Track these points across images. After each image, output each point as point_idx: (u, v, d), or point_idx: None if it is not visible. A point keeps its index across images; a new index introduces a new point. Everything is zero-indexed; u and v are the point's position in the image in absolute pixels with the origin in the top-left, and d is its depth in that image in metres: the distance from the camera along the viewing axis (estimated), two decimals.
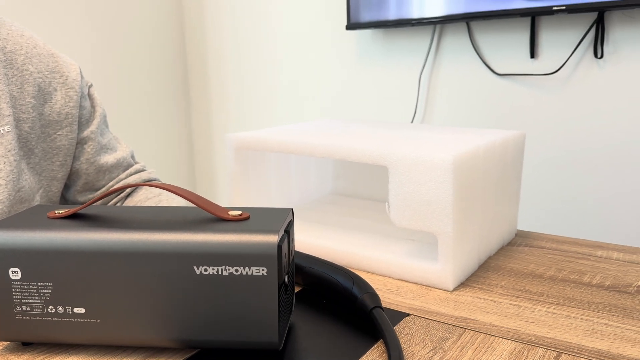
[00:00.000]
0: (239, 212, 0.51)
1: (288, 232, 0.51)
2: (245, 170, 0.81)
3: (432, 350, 0.50)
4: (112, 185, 0.81)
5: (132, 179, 0.82)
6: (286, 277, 0.51)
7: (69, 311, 0.48)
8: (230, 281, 0.47)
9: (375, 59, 1.74)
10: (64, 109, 0.74)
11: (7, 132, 0.67)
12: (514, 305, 0.60)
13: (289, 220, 0.53)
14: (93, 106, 0.80)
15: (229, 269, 0.46)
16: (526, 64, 1.48)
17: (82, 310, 0.48)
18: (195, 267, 0.47)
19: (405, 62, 1.68)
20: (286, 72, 1.99)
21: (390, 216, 0.66)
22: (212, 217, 0.51)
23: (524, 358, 0.49)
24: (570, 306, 0.59)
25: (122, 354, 0.49)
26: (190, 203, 0.60)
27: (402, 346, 0.51)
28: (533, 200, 1.52)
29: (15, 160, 0.68)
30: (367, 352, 0.50)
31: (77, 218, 0.51)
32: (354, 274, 0.59)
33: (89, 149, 0.78)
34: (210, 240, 0.47)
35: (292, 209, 0.55)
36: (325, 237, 0.75)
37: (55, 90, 0.74)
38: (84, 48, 2.08)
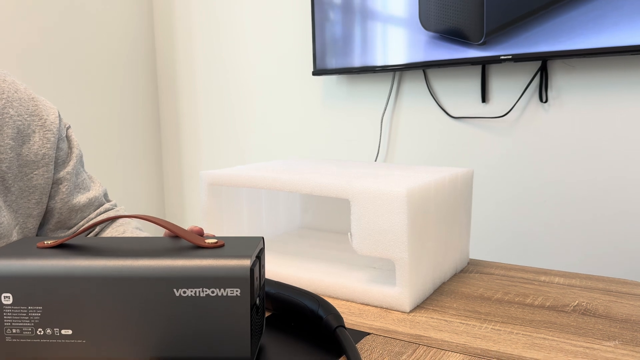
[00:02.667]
0: (214, 240, 0.57)
1: (259, 257, 0.57)
2: (219, 204, 0.87)
3: None
4: (83, 225, 0.85)
5: (101, 217, 0.86)
6: (257, 299, 0.57)
7: (57, 333, 0.52)
8: (207, 302, 0.52)
9: (340, 102, 1.84)
10: (41, 150, 0.79)
11: None
12: (463, 323, 0.66)
13: (260, 247, 0.59)
14: (70, 147, 0.84)
15: (206, 291, 0.52)
16: (478, 107, 1.60)
17: (70, 332, 0.52)
18: (175, 290, 0.52)
19: (368, 105, 1.78)
20: (256, 113, 2.07)
21: (353, 245, 0.72)
22: (190, 244, 0.57)
23: None
24: (514, 324, 0.66)
25: None
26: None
27: None
28: (484, 232, 1.61)
29: None
30: None
31: (65, 248, 0.56)
32: (319, 297, 0.65)
33: (63, 189, 0.82)
34: (188, 264, 0.52)
35: (262, 238, 0.61)
36: (293, 266, 0.81)
37: (34, 132, 0.78)
38: (58, 86, 2.12)
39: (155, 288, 0.51)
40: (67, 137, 0.86)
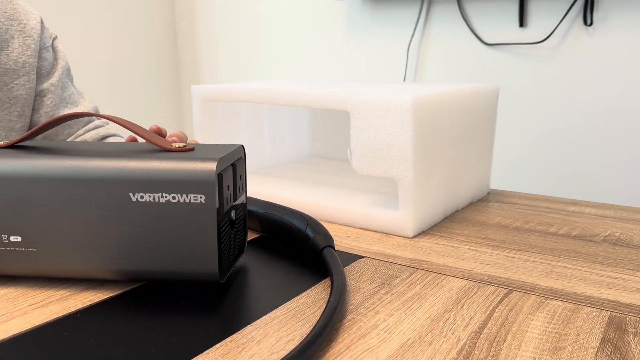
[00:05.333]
0: (183, 144, 0.50)
1: (235, 165, 0.50)
2: (214, 125, 0.80)
3: (379, 285, 0.49)
4: (74, 140, 0.80)
5: (89, 135, 0.81)
6: (233, 212, 0.50)
7: (5, 239, 0.47)
8: (167, 209, 0.45)
9: (365, 29, 1.72)
10: (20, 57, 0.73)
11: None
12: (472, 250, 0.58)
13: (238, 155, 0.52)
14: (56, 58, 0.78)
15: (166, 196, 0.45)
16: (515, 32, 1.45)
17: (18, 239, 0.47)
18: (131, 194, 0.45)
19: (394, 32, 1.65)
20: (277, 40, 1.97)
21: (352, 164, 0.64)
22: (155, 148, 0.50)
23: (472, 294, 0.47)
24: (531, 252, 0.58)
25: (60, 285, 0.48)
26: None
27: (348, 282, 0.50)
28: (516, 166, 1.50)
29: None
30: (312, 287, 0.49)
31: (17, 148, 0.50)
32: (308, 216, 0.58)
33: (48, 102, 0.77)
34: (146, 167, 0.45)
35: (242, 145, 0.54)
36: (290, 189, 0.74)
37: (13, 37, 0.72)
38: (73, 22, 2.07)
39: (109, 192, 0.45)
40: (53, 47, 0.79)
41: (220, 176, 0.46)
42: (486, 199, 0.79)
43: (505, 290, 0.48)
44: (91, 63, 2.13)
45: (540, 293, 0.48)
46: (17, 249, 0.47)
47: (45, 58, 0.77)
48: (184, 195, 0.45)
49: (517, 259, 0.56)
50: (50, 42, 0.79)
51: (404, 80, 1.65)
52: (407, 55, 1.64)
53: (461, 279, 0.50)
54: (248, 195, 0.75)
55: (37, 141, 0.54)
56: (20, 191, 0.46)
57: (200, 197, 0.45)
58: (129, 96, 2.28)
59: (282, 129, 0.92)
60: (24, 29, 0.74)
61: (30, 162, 0.46)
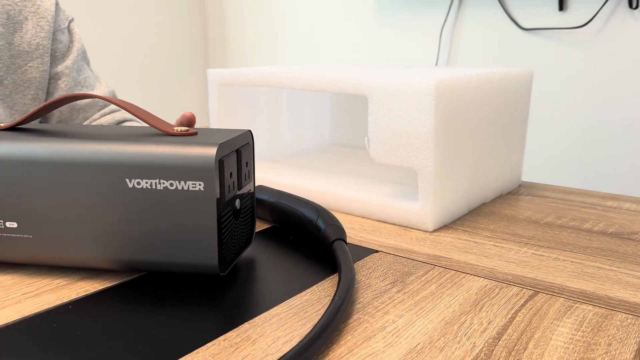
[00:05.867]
0: (185, 128, 0.47)
1: (240, 151, 0.47)
2: (231, 110, 0.77)
3: (391, 283, 0.45)
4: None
5: (105, 120, 0.79)
6: (237, 201, 0.47)
7: (1, 225, 0.45)
8: (165, 196, 0.43)
9: (395, 12, 1.67)
10: (34, 39, 0.72)
11: None
12: (497, 246, 0.54)
13: (245, 141, 0.49)
14: (71, 41, 0.77)
15: (164, 183, 0.43)
16: (554, 16, 1.37)
17: (15, 225, 0.45)
18: (127, 180, 0.43)
19: (426, 15, 1.59)
20: (305, 24, 1.93)
21: (370, 152, 0.61)
22: (157, 132, 0.47)
23: (493, 295, 0.43)
24: (562, 249, 0.53)
25: (58, 274, 0.46)
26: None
27: (359, 278, 0.46)
28: (551, 155, 1.43)
29: None
30: (319, 283, 0.45)
31: (16, 131, 0.48)
32: (320, 207, 0.54)
33: (62, 85, 0.75)
34: (143, 151, 0.43)
35: (249, 131, 0.51)
36: (308, 179, 0.71)
37: (26, 19, 0.71)
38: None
39: (105, 177, 0.43)
40: (69, 30, 0.78)
41: (221, 162, 0.43)
42: (517, 191, 0.74)
43: (531, 291, 0.44)
44: (119, 47, 2.14)
45: (569, 296, 0.43)
46: (13, 235, 0.45)
47: (60, 40, 0.75)
48: (182, 182, 0.42)
49: (545, 257, 0.51)
50: (67, 25, 0.77)
51: (436, 65, 1.59)
52: (440, 40, 1.58)
53: (482, 278, 0.46)
54: (261, 183, 0.73)
55: (39, 124, 0.52)
56: (15, 175, 0.44)
57: (199, 185, 0.42)
58: (157, 80, 2.29)
59: (302, 115, 0.89)
60: (38, 10, 0.72)
61: (26, 145, 0.44)
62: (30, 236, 0.45)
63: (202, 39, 2.37)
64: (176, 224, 0.43)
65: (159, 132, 0.47)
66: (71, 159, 0.43)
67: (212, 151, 0.42)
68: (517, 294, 0.43)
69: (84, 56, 0.79)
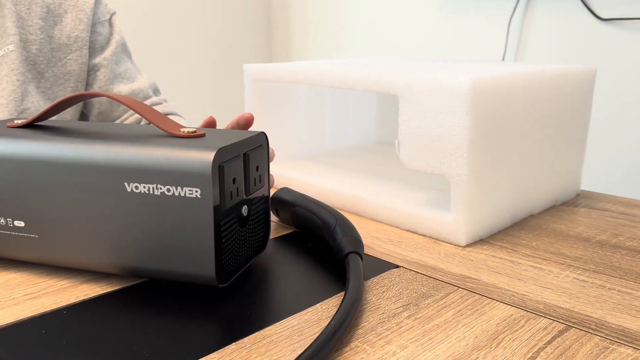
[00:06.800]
0: (192, 129, 0.45)
1: (248, 155, 0.44)
2: (267, 108, 0.74)
3: (403, 306, 0.41)
4: (127, 117, 0.79)
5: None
6: (244, 207, 0.45)
7: (9, 223, 0.45)
8: (162, 202, 0.41)
9: (460, 3, 1.58)
10: (73, 32, 0.72)
11: (11, 51, 0.66)
12: (535, 268, 0.48)
13: (256, 144, 0.46)
14: (111, 33, 0.77)
15: (161, 188, 0.41)
16: (636, 5, 1.24)
17: (22, 224, 0.45)
18: (126, 184, 0.41)
19: (493, 6, 1.49)
20: (367, 16, 1.88)
21: (400, 156, 0.56)
22: (162, 133, 0.46)
23: (517, 327, 0.38)
24: (610, 275, 0.46)
25: (64, 275, 0.46)
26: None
27: (369, 297, 0.42)
28: (619, 163, 1.30)
29: (18, 81, 0.67)
30: (325, 300, 0.42)
31: (31, 128, 0.48)
32: (339, 214, 0.51)
33: (101, 77, 0.76)
34: (141, 154, 0.41)
35: (263, 133, 0.48)
36: (338, 181, 0.67)
37: (66, 12, 0.72)
38: None
39: (104, 180, 0.42)
40: (110, 23, 0.78)
41: (221, 168, 0.40)
42: (573, 202, 0.67)
43: (562, 325, 0.38)
44: (182, 40, 2.17)
45: (606, 334, 0.37)
46: (21, 234, 0.45)
47: (99, 33, 0.76)
48: (179, 188, 0.40)
49: (589, 283, 0.45)
50: (108, 17, 0.78)
51: (504, 58, 1.50)
52: (508, 33, 1.47)
53: (509, 306, 0.41)
54: (291, 184, 0.70)
55: (54, 121, 0.52)
56: (23, 173, 0.44)
57: (196, 191, 0.40)
58: (219, 76, 2.31)
59: (346, 112, 0.85)
60: (77, 4, 0.73)
61: (32, 144, 0.44)
62: (36, 236, 0.45)
63: (266, 34, 2.37)
64: (174, 232, 0.41)
65: (165, 133, 0.45)
66: (73, 160, 0.42)
67: (209, 156, 0.39)
68: (545, 328, 0.38)
69: (124, 48, 0.79)
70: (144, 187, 0.41)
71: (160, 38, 2.11)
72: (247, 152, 0.44)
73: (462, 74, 0.52)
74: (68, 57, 0.72)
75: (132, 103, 0.46)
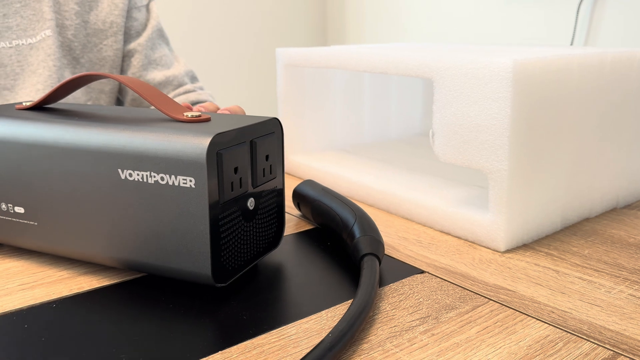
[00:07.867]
0: (197, 114, 0.41)
1: (255, 143, 0.40)
2: (300, 94, 0.70)
3: (421, 319, 0.36)
4: None
5: (179, 100, 0.77)
6: (251, 200, 0.41)
7: (10, 209, 0.43)
8: (156, 192, 0.37)
9: None
10: (109, 17, 0.71)
11: (48, 36, 0.65)
12: (583, 280, 0.41)
13: (266, 131, 0.42)
14: (148, 19, 0.76)
15: (154, 176, 0.37)
16: None
17: (22, 210, 0.43)
18: (119, 170, 0.38)
19: None
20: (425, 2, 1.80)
21: (434, 148, 0.50)
22: (164, 117, 0.42)
23: (551, 352, 0.32)
24: None
25: (64, 265, 0.44)
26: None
27: (383, 307, 0.37)
28: None
29: (55, 66, 0.66)
30: (333, 307, 0.37)
31: (38, 110, 0.46)
32: (360, 211, 0.46)
33: (135, 63, 0.74)
34: (135, 139, 0.38)
35: (276, 118, 0.43)
36: (373, 175, 0.62)
37: None
38: None
39: (98, 166, 0.39)
40: (148, 8, 0.77)
41: (219, 155, 0.36)
42: (638, 205, 0.58)
43: (608, 352, 0.32)
44: (236, 26, 2.16)
45: None
46: (21, 220, 0.43)
47: (135, 18, 0.74)
48: (173, 177, 0.37)
49: None
50: (145, 3, 0.76)
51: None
52: (577, 17, 1.36)
53: (547, 325, 0.35)
54: (320, 176, 0.65)
55: (63, 104, 0.49)
56: (22, 157, 0.42)
57: (190, 181, 0.36)
58: (271, 62, 2.29)
59: (387, 101, 0.80)
60: None
61: (30, 126, 0.42)
62: (35, 223, 0.43)
63: (321, 19, 2.33)
64: (169, 224, 0.38)
65: (167, 117, 0.42)
66: (69, 144, 0.40)
67: (204, 142, 0.36)
68: (587, 355, 0.32)
69: (160, 34, 0.77)
70: (138, 174, 0.38)
71: (208, 25, 2.11)
72: (254, 139, 0.40)
73: (504, 55, 0.45)
74: (103, 43, 0.71)
75: (136, 85, 0.43)
